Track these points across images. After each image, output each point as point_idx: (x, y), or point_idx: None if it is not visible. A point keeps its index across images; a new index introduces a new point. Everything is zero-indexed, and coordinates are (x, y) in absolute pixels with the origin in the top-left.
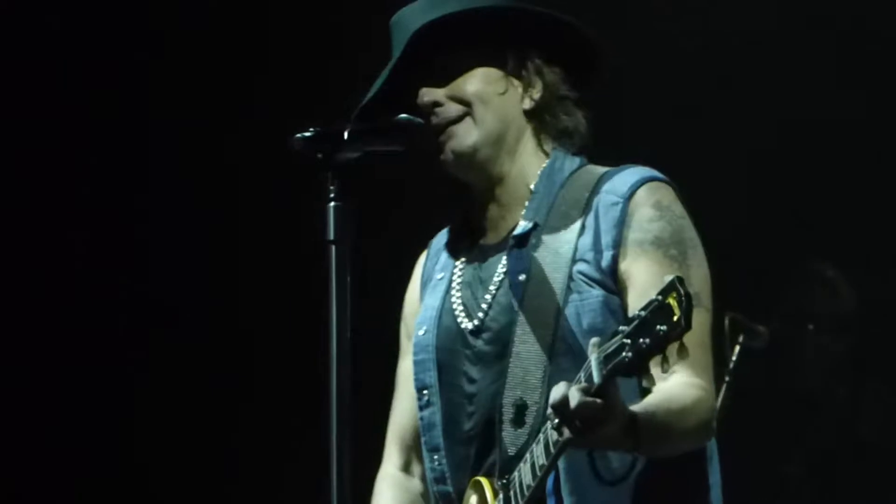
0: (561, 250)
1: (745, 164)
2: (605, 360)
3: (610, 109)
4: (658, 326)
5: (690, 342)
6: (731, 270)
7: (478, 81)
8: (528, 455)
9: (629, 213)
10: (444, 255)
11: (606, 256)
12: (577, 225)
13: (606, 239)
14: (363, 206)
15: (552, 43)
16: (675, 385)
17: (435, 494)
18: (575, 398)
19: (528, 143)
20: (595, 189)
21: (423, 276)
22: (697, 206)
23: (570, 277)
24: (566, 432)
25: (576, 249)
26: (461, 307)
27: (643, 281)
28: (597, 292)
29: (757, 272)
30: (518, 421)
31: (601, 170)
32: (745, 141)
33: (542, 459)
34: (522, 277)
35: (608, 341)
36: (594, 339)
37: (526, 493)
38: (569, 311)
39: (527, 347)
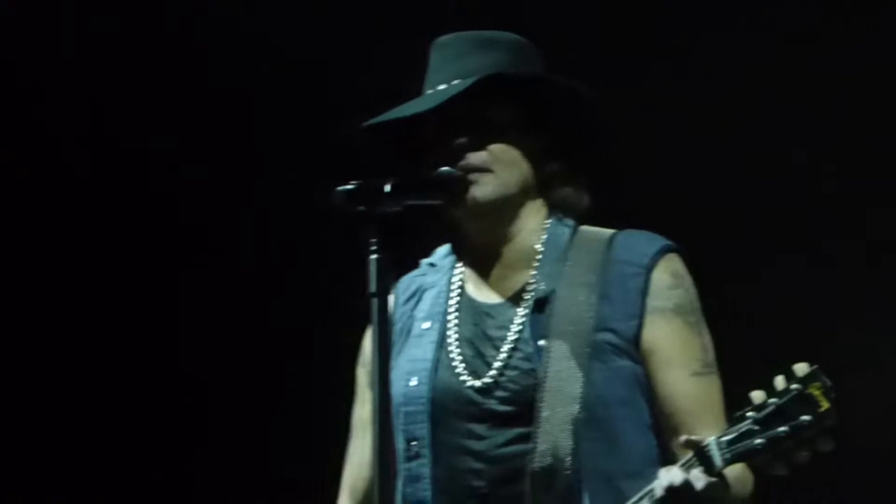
0: (580, 317)
1: None
2: (728, 445)
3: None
4: (801, 416)
5: (716, 409)
6: None
7: (507, 143)
8: None
9: (651, 282)
10: (427, 304)
11: (632, 326)
12: (594, 293)
13: (631, 309)
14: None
15: (574, 116)
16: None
17: None
18: (700, 481)
19: (533, 204)
20: (607, 256)
21: (395, 320)
22: None
23: (594, 346)
24: None
25: (598, 318)
26: (462, 364)
27: (666, 348)
28: (625, 363)
29: None
30: (547, 487)
31: (602, 233)
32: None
33: None
34: (543, 342)
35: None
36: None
37: None
38: (595, 380)
39: (554, 415)
